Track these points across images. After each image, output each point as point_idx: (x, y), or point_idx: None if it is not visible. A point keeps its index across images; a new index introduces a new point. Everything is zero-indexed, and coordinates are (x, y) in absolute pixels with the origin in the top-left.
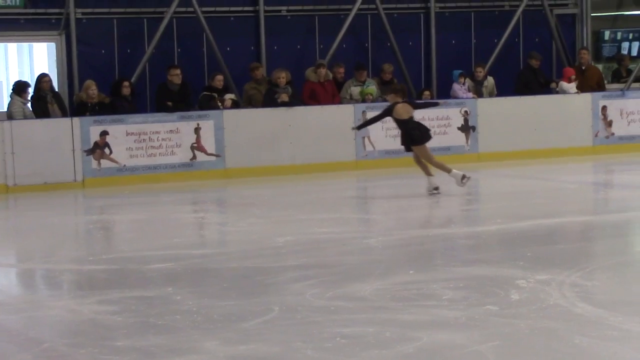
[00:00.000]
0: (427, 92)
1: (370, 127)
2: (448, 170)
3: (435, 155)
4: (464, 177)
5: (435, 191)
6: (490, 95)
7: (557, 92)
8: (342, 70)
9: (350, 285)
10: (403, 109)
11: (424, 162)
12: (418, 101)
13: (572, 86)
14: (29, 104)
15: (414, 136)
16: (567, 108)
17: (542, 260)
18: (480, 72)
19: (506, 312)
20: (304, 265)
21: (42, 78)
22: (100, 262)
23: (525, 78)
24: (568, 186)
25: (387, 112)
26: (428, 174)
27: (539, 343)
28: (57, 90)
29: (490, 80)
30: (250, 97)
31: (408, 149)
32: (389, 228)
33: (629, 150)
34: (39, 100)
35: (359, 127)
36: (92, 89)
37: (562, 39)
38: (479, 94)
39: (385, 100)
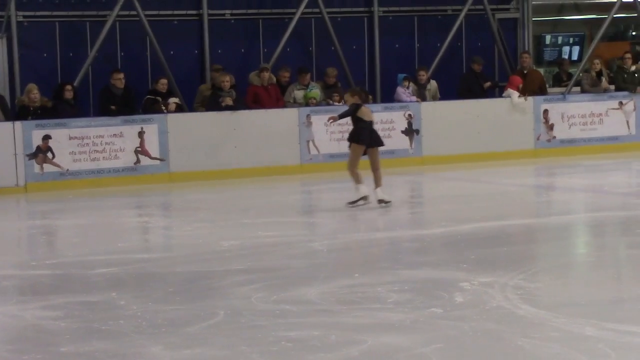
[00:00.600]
0: (369, 97)
1: (315, 131)
2: (358, 182)
3: (381, 159)
4: (366, 197)
5: (383, 204)
6: (434, 98)
7: (502, 96)
8: (287, 74)
9: (295, 289)
10: (368, 111)
11: (377, 171)
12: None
13: (520, 100)
14: None
15: (378, 138)
16: (510, 112)
17: (486, 262)
18: (422, 75)
19: (450, 315)
20: (249, 269)
21: None
22: (44, 267)
23: (468, 82)
24: (511, 189)
25: (354, 111)
26: (377, 184)
27: (482, 345)
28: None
29: (433, 84)
30: (204, 98)
31: (366, 151)
32: (333, 231)
33: (570, 154)
34: None
35: (340, 117)
36: (33, 93)
37: (504, 43)
38: (422, 97)
39: (328, 104)
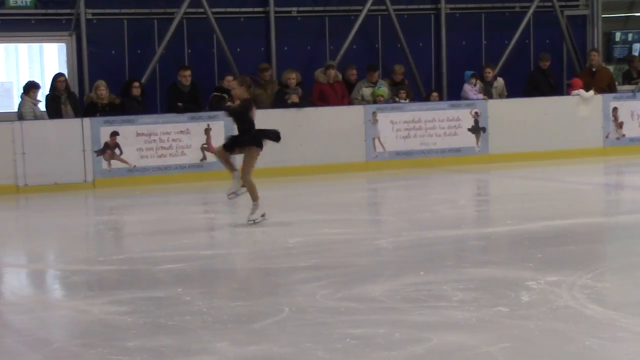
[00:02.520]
0: (435, 94)
1: (380, 128)
2: (256, 196)
3: (447, 157)
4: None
5: (261, 218)
6: (500, 96)
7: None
8: (354, 72)
9: (360, 286)
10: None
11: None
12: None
13: (590, 93)
14: (40, 105)
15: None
16: (578, 110)
17: (553, 261)
18: (489, 72)
19: (516, 314)
20: (315, 266)
21: (58, 78)
22: (111, 263)
23: (535, 79)
24: (579, 187)
25: (245, 110)
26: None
27: (549, 344)
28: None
29: (500, 82)
30: (255, 97)
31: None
32: (399, 229)
33: (639, 152)
34: (53, 100)
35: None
36: (101, 89)
37: (573, 41)
38: (488, 94)
39: (395, 101)
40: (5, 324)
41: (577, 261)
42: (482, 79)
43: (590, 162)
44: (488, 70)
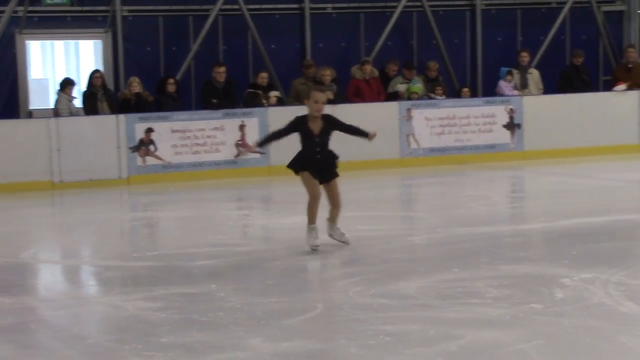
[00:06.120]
0: (465, 89)
1: (415, 125)
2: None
3: (482, 154)
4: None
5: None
6: (537, 87)
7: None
8: (395, 67)
9: (394, 283)
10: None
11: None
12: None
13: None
14: (75, 101)
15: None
16: (614, 106)
17: (587, 258)
18: (525, 57)
19: (550, 311)
20: (348, 263)
21: (94, 74)
22: (145, 259)
23: (568, 75)
24: (614, 184)
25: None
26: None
27: (583, 342)
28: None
29: (535, 72)
30: (298, 92)
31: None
32: (433, 226)
33: None
34: (89, 96)
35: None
36: (132, 85)
37: (610, 37)
38: (523, 81)
39: (430, 98)
40: (40, 320)
41: (611, 258)
42: (516, 66)
43: (625, 159)
44: (524, 54)
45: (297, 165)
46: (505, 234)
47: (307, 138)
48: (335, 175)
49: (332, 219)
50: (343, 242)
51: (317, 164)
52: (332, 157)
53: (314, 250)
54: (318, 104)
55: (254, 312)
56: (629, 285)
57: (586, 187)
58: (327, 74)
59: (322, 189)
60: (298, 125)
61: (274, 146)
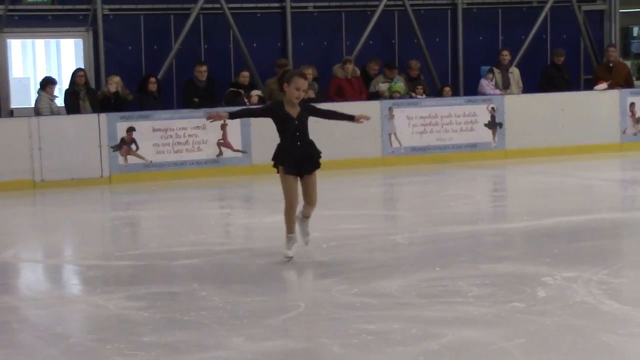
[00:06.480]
0: (447, 88)
1: (397, 124)
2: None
3: (463, 153)
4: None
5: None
6: (517, 85)
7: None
8: (377, 67)
9: (376, 282)
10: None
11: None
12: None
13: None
14: (56, 100)
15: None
16: (595, 105)
17: (569, 257)
18: (506, 55)
19: (532, 310)
20: (330, 262)
21: (77, 73)
22: (127, 258)
23: (549, 74)
24: (595, 183)
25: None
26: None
27: (565, 340)
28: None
29: (516, 71)
30: (271, 91)
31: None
32: (415, 225)
33: None
34: (72, 95)
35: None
36: (109, 83)
37: (590, 36)
38: (505, 80)
39: (411, 97)
40: (22, 319)
41: (593, 257)
42: (497, 65)
43: (606, 158)
44: (505, 52)
45: (277, 157)
46: (487, 233)
47: (285, 122)
48: (316, 166)
49: (305, 214)
50: (304, 242)
51: (296, 153)
52: (313, 147)
53: (287, 260)
54: (299, 92)
55: (236, 311)
56: (611, 283)
57: (568, 186)
58: (309, 73)
59: (299, 185)
60: (274, 109)
61: (256, 145)
